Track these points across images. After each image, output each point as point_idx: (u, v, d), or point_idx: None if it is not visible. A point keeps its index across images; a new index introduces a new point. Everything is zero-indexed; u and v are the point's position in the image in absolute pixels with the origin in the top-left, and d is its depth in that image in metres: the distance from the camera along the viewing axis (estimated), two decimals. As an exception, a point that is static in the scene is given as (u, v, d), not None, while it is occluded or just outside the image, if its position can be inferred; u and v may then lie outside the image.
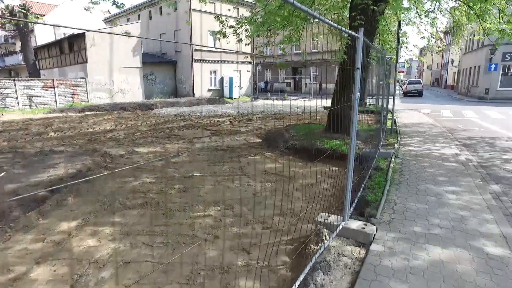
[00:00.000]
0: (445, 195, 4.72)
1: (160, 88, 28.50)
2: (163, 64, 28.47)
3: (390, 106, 10.61)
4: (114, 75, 23.97)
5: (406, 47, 13.53)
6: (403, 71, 25.29)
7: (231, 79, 29.19)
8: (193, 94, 27.80)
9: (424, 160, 6.59)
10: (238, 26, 10.53)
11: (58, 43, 25.57)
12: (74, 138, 10.76)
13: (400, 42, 10.02)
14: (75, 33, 22.95)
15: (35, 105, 20.26)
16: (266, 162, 7.65)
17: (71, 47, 24.18)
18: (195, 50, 26.97)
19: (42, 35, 33.54)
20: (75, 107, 19.52)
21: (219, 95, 29.53)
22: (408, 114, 15.58)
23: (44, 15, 35.60)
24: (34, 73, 24.29)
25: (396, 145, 7.85)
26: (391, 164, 6.11)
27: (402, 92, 32.65)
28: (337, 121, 9.24)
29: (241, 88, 31.46)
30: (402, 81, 43.17)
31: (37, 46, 28.71)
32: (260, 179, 6.38)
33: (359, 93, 3.55)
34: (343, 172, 7.02)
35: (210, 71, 29.12)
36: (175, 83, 29.42)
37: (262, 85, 39.78)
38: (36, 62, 29.79)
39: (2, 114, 17.80)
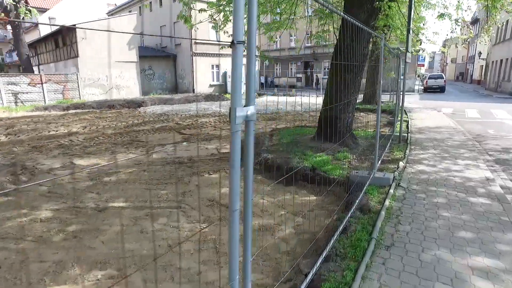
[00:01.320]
0: (472, 282, 2.61)
1: (159, 84, 26.96)
2: (162, 58, 26.89)
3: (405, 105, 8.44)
4: (108, 70, 22.57)
5: (422, 34, 11.16)
6: (423, 65, 22.75)
7: (234, 74, 27.31)
8: (193, 90, 26.12)
9: (439, 193, 4.51)
10: (213, 11, 8.65)
11: (52, 37, 24.40)
12: (23, 143, 9.21)
13: (412, 27, 7.83)
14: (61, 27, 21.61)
15: (21, 102, 19.09)
16: (223, 185, 5.77)
17: (64, 41, 22.93)
18: (196, 43, 25.20)
19: (47, 29, 32.67)
20: (59, 105, 18.19)
21: (221, 91, 27.73)
22: (425, 114, 13.21)
23: (47, 9, 34.77)
24: (28, 69, 23.30)
25: (401, 163, 5.77)
26: (387, 202, 4.08)
27: (422, 88, 29.82)
28: (329, 126, 7.24)
29: (245, 83, 29.50)
30: (423, 75, 40.01)
31: (32, 41, 27.70)
32: (198, 215, 4.52)
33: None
34: (322, 205, 5.09)
35: (212, 65, 27.32)
36: (175, 79, 27.81)
37: (261, 80, 37.66)
38: (36, 57, 28.89)
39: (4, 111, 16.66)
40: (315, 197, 5.10)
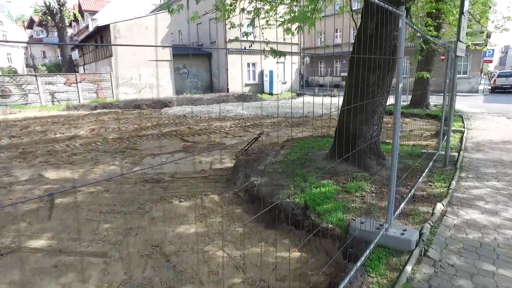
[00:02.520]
0: None
1: (194, 83, 26.36)
2: (197, 57, 26.24)
3: (462, 108, 6.28)
4: (141, 69, 22.39)
5: (488, 18, 8.61)
6: (490, 61, 19.18)
7: (271, 73, 25.82)
8: (227, 89, 25.09)
9: (501, 278, 2.61)
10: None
11: (93, 37, 24.92)
12: (17, 147, 8.66)
13: (469, 9, 5.64)
14: (99, 25, 21.79)
15: (58, 101, 19.48)
16: (187, 220, 4.34)
17: (102, 41, 23.21)
18: (230, 40, 24.04)
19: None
20: (88, 105, 18.18)
21: (258, 90, 26.40)
22: (489, 122, 10.54)
23: (96, 11, 36.18)
24: (70, 68, 24.10)
25: (439, 206, 3.85)
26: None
27: (489, 88, 25.70)
28: (346, 141, 5.47)
29: (284, 83, 27.86)
30: (491, 73, 34.79)
31: (77, 41, 28.68)
32: (121, 270, 3.15)
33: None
34: (304, 269, 3.27)
35: (248, 64, 26.08)
36: (210, 77, 27.04)
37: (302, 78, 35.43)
38: (82, 57, 30.03)
39: (20, 111, 17.14)
40: (298, 253, 3.48)
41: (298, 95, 25.82)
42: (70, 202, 5.00)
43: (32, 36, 44.25)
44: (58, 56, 41.96)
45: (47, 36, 41.93)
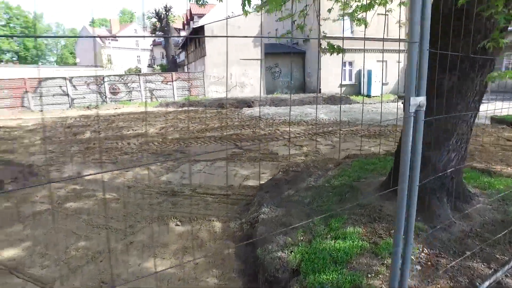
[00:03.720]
0: None
1: (285, 83, 25.61)
2: (289, 55, 25.37)
3: None
4: (232, 68, 22.77)
5: None
6: None
7: (369, 73, 23.19)
8: (319, 90, 23.54)
9: None
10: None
11: (191, 39, 26.56)
12: (88, 142, 9.31)
13: None
14: (194, 27, 22.89)
15: (155, 98, 21.28)
16: (163, 251, 3.51)
17: (199, 41, 24.48)
18: (325, 37, 22.42)
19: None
20: (177, 102, 19.24)
21: (354, 92, 24.10)
22: None
23: (203, 14, 38.78)
24: (173, 68, 26.21)
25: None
26: None
27: None
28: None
29: (385, 84, 24.75)
30: None
31: (181, 42, 31.06)
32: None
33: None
34: None
35: (344, 63, 23.95)
36: (303, 77, 25.87)
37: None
38: (186, 58, 32.53)
39: (123, 106, 19.29)
40: None
41: (400, 97, 22.50)
42: (76, 208, 4.74)
43: (154, 40, 50.55)
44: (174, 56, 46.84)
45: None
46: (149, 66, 48.68)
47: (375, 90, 23.31)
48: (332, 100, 19.54)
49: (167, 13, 24.47)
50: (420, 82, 1.62)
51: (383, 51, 23.86)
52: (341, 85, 23.43)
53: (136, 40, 55.78)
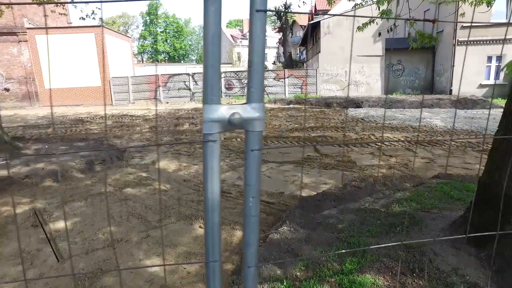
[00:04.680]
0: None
1: (410, 82, 22.55)
2: (416, 50, 22.08)
3: None
4: (347, 65, 21.41)
5: None
6: None
7: (527, 70, 18.15)
8: (450, 91, 19.85)
9: None
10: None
11: (312, 35, 26.08)
12: (181, 133, 10.16)
13: None
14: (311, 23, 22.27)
15: (266, 94, 21.87)
16: (159, 255, 3.42)
17: (315, 38, 23.88)
18: (463, 27, 18.69)
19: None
20: (286, 99, 19.24)
21: (501, 94, 19.39)
22: None
23: (328, 10, 37.65)
24: (289, 65, 26.33)
25: None
26: None
27: None
28: (489, 207, 2.71)
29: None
30: None
31: (300, 40, 30.87)
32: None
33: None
34: None
35: (488, 58, 19.45)
36: (431, 75, 22.26)
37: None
38: (306, 54, 32.33)
39: (235, 101, 20.58)
40: None
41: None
42: (129, 194, 5.13)
43: (281, 38, 52.25)
44: (296, 54, 47.35)
45: (291, 37, 48.03)
46: (274, 63, 50.59)
47: (534, 93, 18.14)
48: (462, 103, 16.15)
49: (286, 10, 24.73)
50: None
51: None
52: (481, 86, 19.15)
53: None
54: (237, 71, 22.27)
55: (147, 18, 60.96)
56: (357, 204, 4.06)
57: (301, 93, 21.76)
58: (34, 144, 7.92)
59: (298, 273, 2.61)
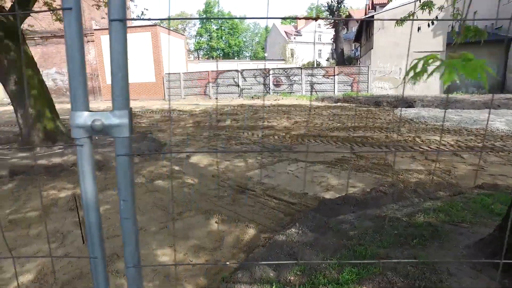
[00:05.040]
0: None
1: (474, 81, 20.47)
2: (485, 44, 19.98)
3: None
4: (403, 61, 20.13)
5: None
6: None
7: None
8: (523, 90, 17.68)
9: None
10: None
11: (363, 31, 24.94)
12: (221, 129, 10.40)
13: None
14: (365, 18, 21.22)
15: (315, 92, 21.46)
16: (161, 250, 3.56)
17: (369, 34, 22.79)
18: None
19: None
20: (333, 97, 18.69)
21: None
22: None
23: (385, 4, 35.60)
24: (341, 61, 25.45)
25: None
26: None
27: None
28: None
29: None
30: None
31: (353, 36, 29.65)
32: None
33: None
34: None
35: None
36: (503, 73, 20.00)
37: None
38: (359, 51, 31.03)
39: (282, 98, 20.53)
40: None
41: None
42: (159, 186, 5.41)
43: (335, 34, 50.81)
44: (351, 50, 45.68)
45: (346, 32, 46.45)
46: (327, 60, 49.46)
47: None
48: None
49: (339, 5, 23.88)
50: None
51: None
52: None
53: (319, 35, 57.70)
54: (285, 68, 22.13)
55: (204, 16, 63.21)
56: (378, 211, 3.84)
57: (351, 91, 20.96)
58: (88, 135, 8.72)
59: (292, 277, 2.55)
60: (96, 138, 8.40)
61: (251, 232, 3.87)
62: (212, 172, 6.12)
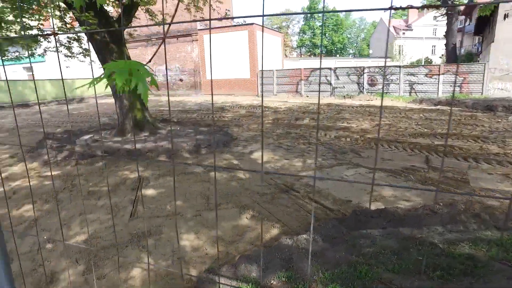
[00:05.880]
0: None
1: None
2: None
3: None
4: (534, 59, 16.56)
5: None
6: None
7: None
8: None
9: None
10: None
11: (488, 21, 21.22)
12: (296, 127, 10.36)
13: None
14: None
15: (415, 92, 19.41)
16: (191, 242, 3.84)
17: (491, 25, 19.30)
18: None
19: None
20: (434, 99, 16.58)
21: None
22: None
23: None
24: (451, 59, 22.14)
25: None
26: None
27: None
28: None
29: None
30: None
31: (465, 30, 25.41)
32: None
33: None
34: None
35: None
36: None
37: None
38: (480, 46, 26.59)
39: (376, 99, 19.23)
40: None
41: None
42: (212, 177, 5.79)
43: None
44: (473, 45, 39.50)
45: (469, 24, 40.29)
46: (441, 57, 43.84)
47: None
48: None
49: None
50: None
51: None
52: None
53: (433, 29, 51.55)
54: (381, 67, 20.55)
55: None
56: (414, 231, 3.40)
57: (460, 92, 18.24)
58: (173, 125, 9.80)
59: (274, 282, 2.52)
60: (178, 129, 9.36)
61: (274, 232, 3.88)
62: (266, 169, 6.24)
